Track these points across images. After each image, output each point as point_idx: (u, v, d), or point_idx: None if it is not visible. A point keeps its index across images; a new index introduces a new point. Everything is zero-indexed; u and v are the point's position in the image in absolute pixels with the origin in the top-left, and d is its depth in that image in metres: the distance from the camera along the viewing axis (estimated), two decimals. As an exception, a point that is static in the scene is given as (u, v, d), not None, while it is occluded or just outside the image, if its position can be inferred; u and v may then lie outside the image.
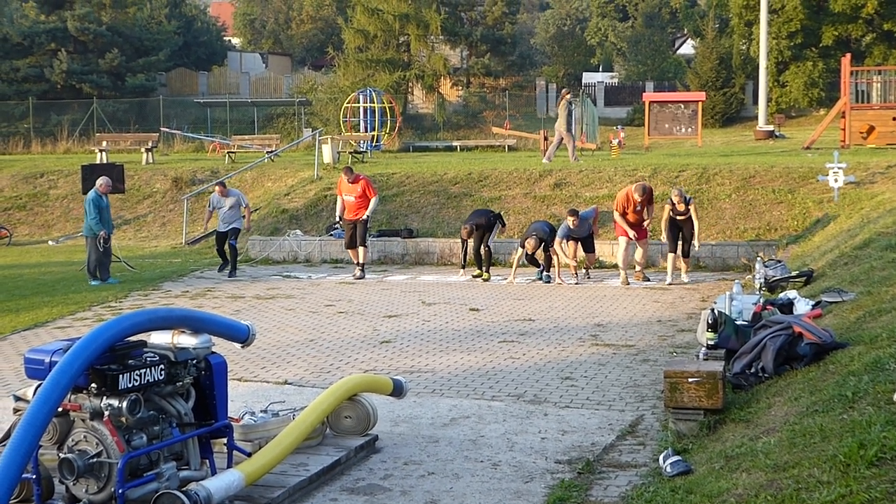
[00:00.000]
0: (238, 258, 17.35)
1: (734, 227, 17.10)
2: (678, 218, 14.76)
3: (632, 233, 14.99)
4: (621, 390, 8.29)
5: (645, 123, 32.16)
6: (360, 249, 16.41)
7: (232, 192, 17.23)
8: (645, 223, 15.18)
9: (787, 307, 9.14)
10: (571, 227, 15.18)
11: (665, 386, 6.57)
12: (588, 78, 50.72)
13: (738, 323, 8.21)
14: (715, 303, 9.40)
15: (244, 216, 17.21)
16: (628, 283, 14.87)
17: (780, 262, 12.63)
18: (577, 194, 18.97)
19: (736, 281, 11.58)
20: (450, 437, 6.98)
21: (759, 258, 12.89)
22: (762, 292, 11.18)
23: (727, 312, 8.44)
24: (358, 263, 16.44)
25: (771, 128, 32.75)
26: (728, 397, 6.68)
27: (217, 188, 17.28)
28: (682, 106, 31.46)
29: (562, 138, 22.96)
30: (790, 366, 7.00)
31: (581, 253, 15.81)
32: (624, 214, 15.04)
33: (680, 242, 14.87)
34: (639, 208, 14.97)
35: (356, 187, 16.19)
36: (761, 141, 31.04)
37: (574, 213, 15.41)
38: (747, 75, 41.33)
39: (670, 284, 14.62)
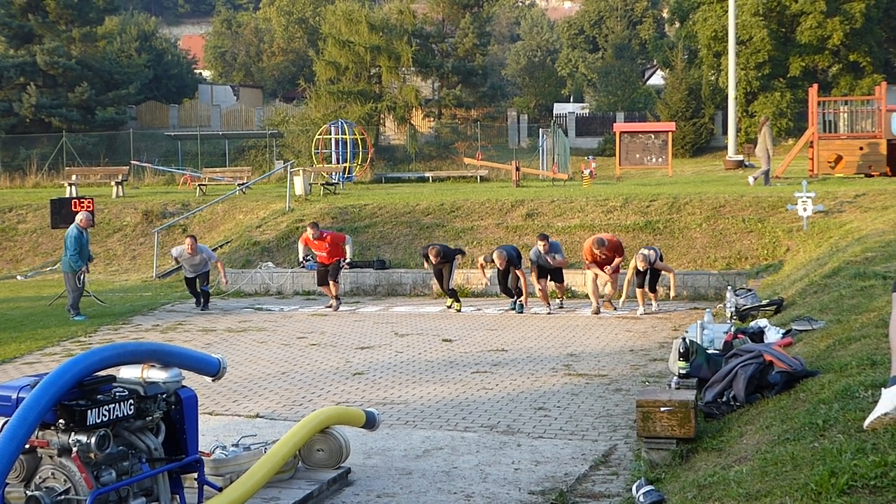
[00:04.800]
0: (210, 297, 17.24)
1: (705, 256, 17.22)
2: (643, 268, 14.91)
3: (602, 275, 15.21)
4: (594, 420, 8.29)
5: (616, 153, 32.40)
6: (332, 284, 16.40)
7: (202, 249, 16.80)
8: (614, 262, 15.20)
9: (758, 336, 9.18)
10: (542, 251, 15.17)
11: (637, 415, 6.57)
12: (559, 108, 51.10)
13: (709, 352, 8.23)
14: (686, 332, 9.44)
15: (218, 270, 17.22)
16: (599, 312, 14.89)
17: (750, 290, 12.71)
18: (549, 224, 19.06)
19: (707, 310, 11.65)
20: (423, 469, 6.94)
21: (729, 287, 12.98)
22: (733, 321, 11.25)
23: (698, 341, 8.48)
24: (332, 297, 16.46)
25: (741, 157, 33.09)
26: (700, 426, 6.69)
27: (187, 242, 16.63)
28: (653, 136, 31.73)
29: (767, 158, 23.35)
30: (761, 394, 7.02)
31: (551, 284, 15.77)
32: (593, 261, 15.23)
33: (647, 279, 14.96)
34: (603, 257, 15.03)
35: (323, 244, 16.25)
36: (731, 170, 31.35)
37: (544, 237, 15.41)
38: (716, 105, 41.80)
39: (643, 315, 14.59)
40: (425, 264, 16.57)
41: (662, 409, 6.46)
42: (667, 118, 39.45)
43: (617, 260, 15.16)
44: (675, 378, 7.76)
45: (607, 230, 18.30)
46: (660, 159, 31.43)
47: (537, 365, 10.91)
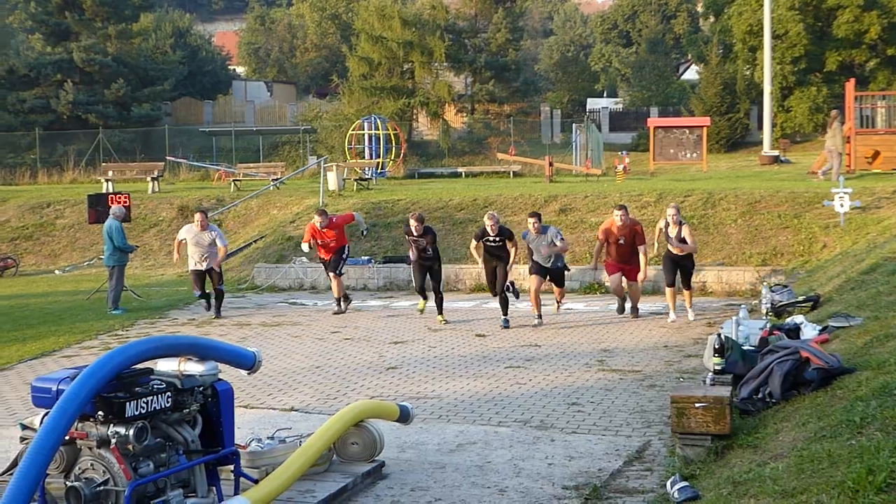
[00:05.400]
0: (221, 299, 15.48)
1: (740, 252, 17.09)
2: (674, 251, 13.23)
3: (623, 280, 13.69)
4: (628, 416, 8.27)
5: (650, 149, 32.22)
6: (334, 281, 15.16)
7: (212, 228, 15.30)
8: (641, 259, 13.49)
9: (795, 332, 9.11)
10: (532, 232, 13.33)
11: (672, 411, 6.55)
12: (592, 104, 50.89)
13: (745, 348, 8.19)
14: (722, 328, 9.38)
15: (219, 254, 15.23)
16: (623, 311, 14.01)
17: (786, 287, 12.61)
18: (583, 220, 19.00)
19: (742, 306, 11.57)
20: (456, 463, 6.96)
21: (765, 283, 12.87)
22: (769, 317, 11.17)
23: (734, 338, 8.43)
24: (336, 298, 15.36)
25: (776, 153, 32.77)
26: (735, 423, 6.65)
27: (197, 218, 15.18)
28: (687, 131, 31.52)
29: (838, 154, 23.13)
30: (798, 391, 6.97)
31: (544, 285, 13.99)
32: (606, 245, 13.75)
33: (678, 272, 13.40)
34: (622, 241, 13.52)
35: (331, 232, 14.99)
36: (766, 166, 31.07)
37: (535, 215, 13.51)
38: (752, 100, 41.40)
39: (673, 322, 13.25)
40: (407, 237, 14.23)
41: (697, 405, 6.43)
42: (701, 113, 39.14)
43: (642, 259, 13.49)
44: (710, 374, 7.72)
45: (647, 226, 18.21)
46: (694, 154, 31.22)
47: (571, 360, 10.89)
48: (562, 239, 13.48)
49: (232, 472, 5.83)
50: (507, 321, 13.50)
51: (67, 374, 5.45)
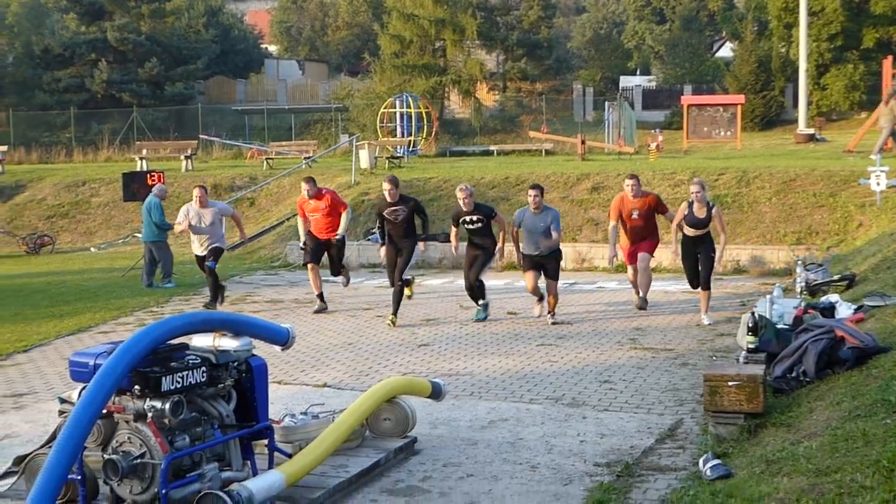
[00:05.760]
0: (223, 288, 14.02)
1: (774, 231, 16.95)
2: (692, 234, 11.40)
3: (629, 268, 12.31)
4: (660, 394, 8.25)
5: (683, 127, 31.99)
6: (341, 277, 13.83)
7: (212, 204, 13.80)
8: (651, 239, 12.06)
9: (829, 311, 9.05)
10: (532, 208, 11.40)
11: (705, 389, 6.53)
12: (625, 81, 50.50)
13: (778, 327, 8.14)
14: (755, 307, 9.33)
15: (237, 224, 14.52)
16: (644, 307, 12.44)
17: (821, 265, 12.51)
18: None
19: (777, 285, 11.50)
20: (488, 440, 6.99)
21: (799, 262, 12.77)
22: (803, 296, 11.09)
23: (768, 316, 8.38)
24: (344, 278, 13.86)
25: (811, 131, 32.41)
26: (769, 401, 6.63)
27: (196, 193, 13.54)
28: (721, 109, 31.25)
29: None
30: (832, 370, 6.94)
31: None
32: (621, 224, 12.22)
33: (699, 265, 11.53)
34: (635, 215, 12.07)
35: (320, 204, 12.83)
36: (801, 144, 30.74)
37: (537, 187, 11.59)
38: (787, 78, 40.93)
39: (711, 324, 11.37)
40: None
41: (730, 383, 6.41)
42: (736, 91, 38.74)
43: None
44: (744, 353, 7.70)
45: (674, 205, 18.10)
46: (728, 132, 30.95)
47: (603, 338, 10.87)
48: (558, 230, 11.59)
49: (266, 446, 5.89)
50: (486, 306, 12.21)
51: (104, 349, 5.52)
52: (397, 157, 28.44)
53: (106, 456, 5.20)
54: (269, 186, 25.15)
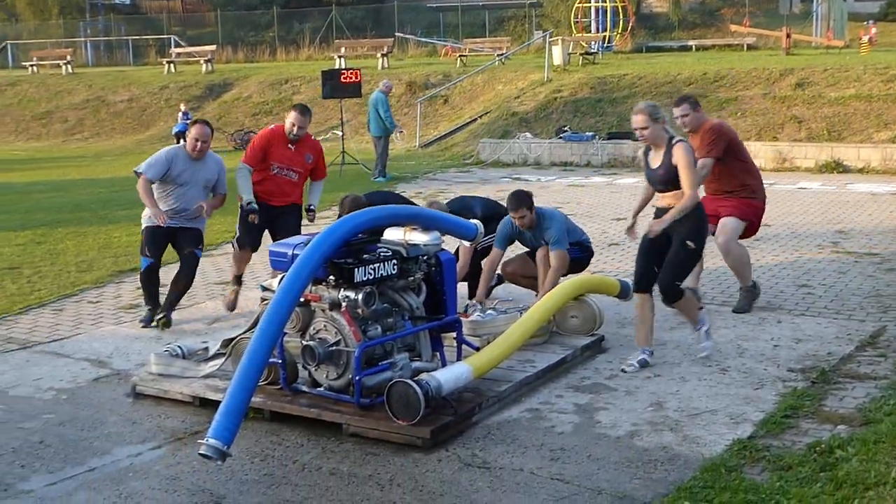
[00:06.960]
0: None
1: None
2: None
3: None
4: (862, 300, 7.89)
5: (901, 17, 29.78)
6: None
7: (212, 157, 8.23)
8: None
9: None
10: (517, 222, 7.55)
11: (911, 296, 6.19)
12: (838, -31, 47.26)
13: None
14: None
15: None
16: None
17: None
18: (821, 94, 17.90)
19: None
20: (677, 341, 6.90)
21: None
22: None
23: None
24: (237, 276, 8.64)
25: None
26: (983, 310, 6.23)
27: (195, 133, 7.90)
28: (946, -3, 28.84)
29: None
30: None
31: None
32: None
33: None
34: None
35: (301, 153, 8.20)
36: None
37: (523, 200, 7.59)
38: None
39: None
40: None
41: (940, 290, 6.04)
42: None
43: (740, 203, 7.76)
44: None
45: (886, 102, 16.99)
46: (953, 23, 28.60)
47: (802, 241, 10.45)
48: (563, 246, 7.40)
49: (455, 339, 6.02)
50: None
51: (302, 239, 5.74)
52: (591, 54, 27.84)
53: (304, 342, 5.45)
54: (462, 84, 25.20)
